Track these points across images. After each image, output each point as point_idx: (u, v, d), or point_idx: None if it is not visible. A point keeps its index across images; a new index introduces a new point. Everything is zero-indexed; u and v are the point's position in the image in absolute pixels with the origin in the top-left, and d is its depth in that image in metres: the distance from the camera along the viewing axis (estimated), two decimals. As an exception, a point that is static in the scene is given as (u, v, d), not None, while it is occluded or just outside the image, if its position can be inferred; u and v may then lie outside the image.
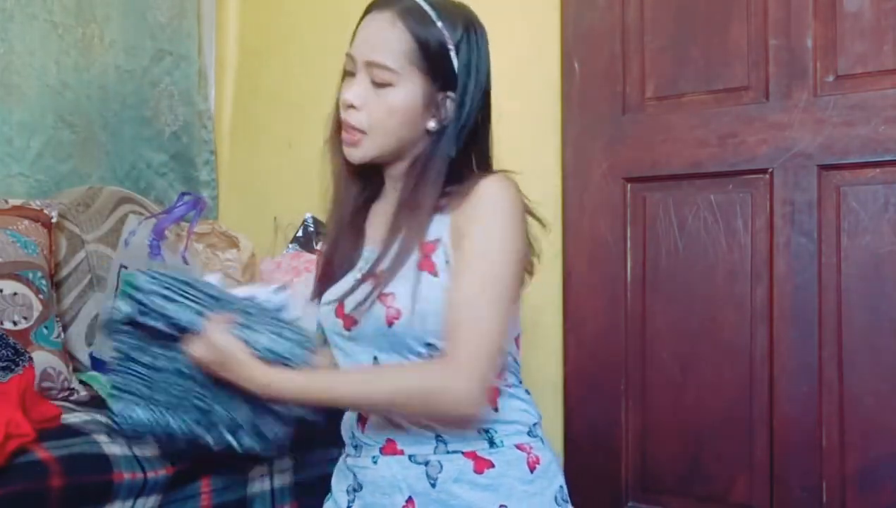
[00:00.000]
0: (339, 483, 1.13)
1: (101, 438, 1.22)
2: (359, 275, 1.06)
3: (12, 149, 1.88)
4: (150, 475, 1.19)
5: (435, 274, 1.00)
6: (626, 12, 1.75)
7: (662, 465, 1.69)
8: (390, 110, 1.02)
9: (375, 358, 1.05)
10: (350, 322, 1.05)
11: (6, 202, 1.66)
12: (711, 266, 1.64)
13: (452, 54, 1.03)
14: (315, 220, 2.05)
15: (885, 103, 1.47)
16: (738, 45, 1.62)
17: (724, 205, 1.63)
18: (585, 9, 1.79)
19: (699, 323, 1.65)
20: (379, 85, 1.01)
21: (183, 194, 1.80)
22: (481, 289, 0.97)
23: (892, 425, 1.46)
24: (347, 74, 1.06)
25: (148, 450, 1.23)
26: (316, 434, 1.47)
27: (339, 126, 1.07)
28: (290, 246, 2.06)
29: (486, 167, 1.09)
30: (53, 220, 1.70)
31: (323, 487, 1.19)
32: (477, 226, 0.99)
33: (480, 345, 0.95)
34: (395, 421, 1.04)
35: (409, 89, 1.02)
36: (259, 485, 1.40)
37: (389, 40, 1.01)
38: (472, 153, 1.08)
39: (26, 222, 1.63)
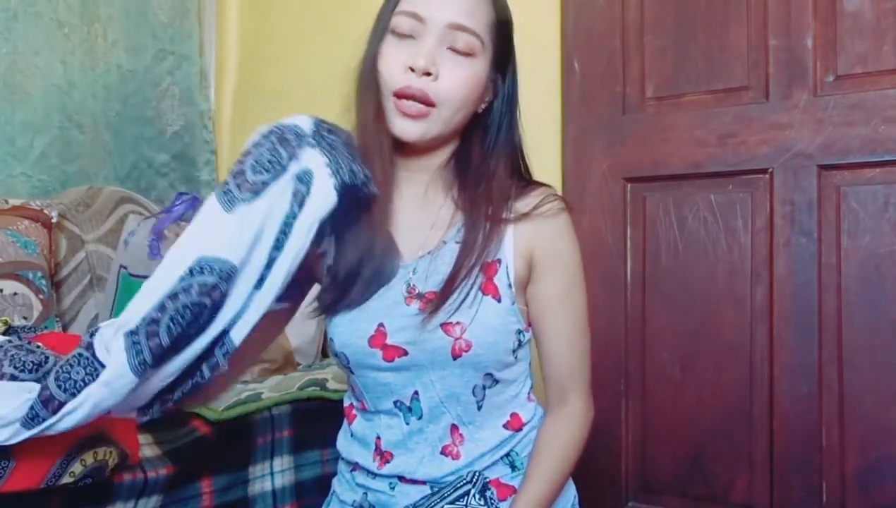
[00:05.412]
0: (344, 494, 1.03)
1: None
2: (405, 294, 0.93)
3: (15, 149, 1.88)
4: (151, 475, 1.19)
5: (499, 300, 0.92)
6: (626, 12, 1.75)
7: (662, 465, 1.69)
8: (466, 82, 0.91)
9: (416, 393, 0.94)
10: (395, 353, 0.92)
11: (6, 202, 1.66)
12: (711, 266, 1.64)
13: (513, 33, 0.98)
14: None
15: (884, 103, 1.47)
16: (737, 45, 1.62)
17: (724, 205, 1.63)
18: (585, 9, 1.79)
19: (699, 322, 1.65)
20: (460, 53, 0.91)
21: (180, 194, 1.80)
22: (579, 330, 0.97)
23: (892, 425, 1.46)
24: (402, 36, 0.91)
25: (148, 451, 1.23)
26: (316, 435, 1.49)
27: (378, 99, 0.93)
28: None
29: (518, 165, 1.01)
30: (53, 220, 1.70)
31: (323, 487, 1.18)
32: (561, 268, 0.95)
33: (586, 373, 0.99)
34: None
35: (484, 63, 0.93)
36: (260, 485, 1.40)
37: (478, 6, 0.92)
38: (518, 150, 1.00)
39: (26, 222, 1.63)
